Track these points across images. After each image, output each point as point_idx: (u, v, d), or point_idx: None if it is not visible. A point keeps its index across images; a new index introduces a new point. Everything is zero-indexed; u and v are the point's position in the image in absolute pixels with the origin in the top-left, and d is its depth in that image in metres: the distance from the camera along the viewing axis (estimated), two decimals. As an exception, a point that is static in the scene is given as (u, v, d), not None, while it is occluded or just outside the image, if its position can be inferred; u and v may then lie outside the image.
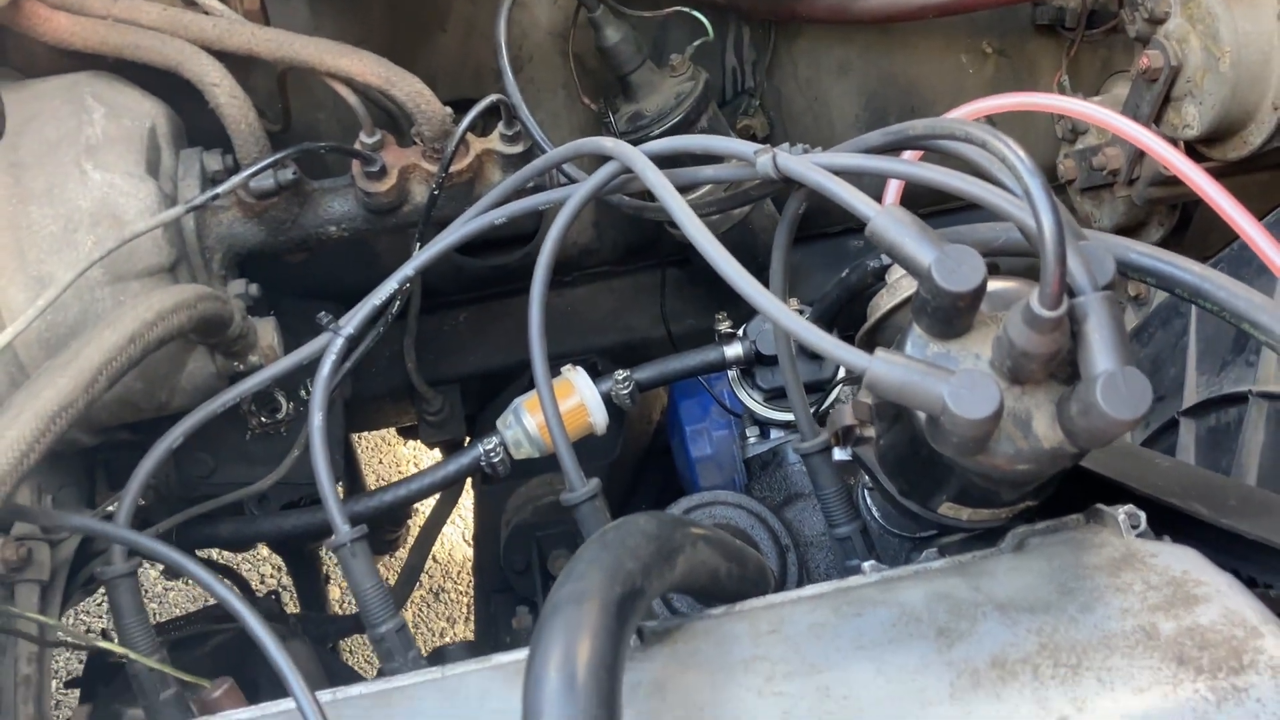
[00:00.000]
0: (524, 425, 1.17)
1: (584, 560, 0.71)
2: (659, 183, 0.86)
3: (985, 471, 0.78)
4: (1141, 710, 0.66)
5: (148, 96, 1.13)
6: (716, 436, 1.50)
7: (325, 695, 0.80)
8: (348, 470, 1.88)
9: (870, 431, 0.89)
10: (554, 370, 1.11)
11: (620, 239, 1.58)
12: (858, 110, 1.49)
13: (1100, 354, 0.71)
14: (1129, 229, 1.42)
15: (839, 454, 0.97)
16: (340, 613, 2.10)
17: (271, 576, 2.23)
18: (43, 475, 1.14)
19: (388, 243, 1.52)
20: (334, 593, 2.07)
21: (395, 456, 2.62)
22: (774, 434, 1.33)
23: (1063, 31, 1.47)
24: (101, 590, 1.12)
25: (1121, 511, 0.82)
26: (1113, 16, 1.40)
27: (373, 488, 1.82)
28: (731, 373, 1.28)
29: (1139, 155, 1.28)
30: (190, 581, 1.39)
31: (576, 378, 1.19)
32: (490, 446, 1.16)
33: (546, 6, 1.35)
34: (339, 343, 1.04)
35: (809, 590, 0.84)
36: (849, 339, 1.24)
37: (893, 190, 0.92)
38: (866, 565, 0.94)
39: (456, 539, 2.51)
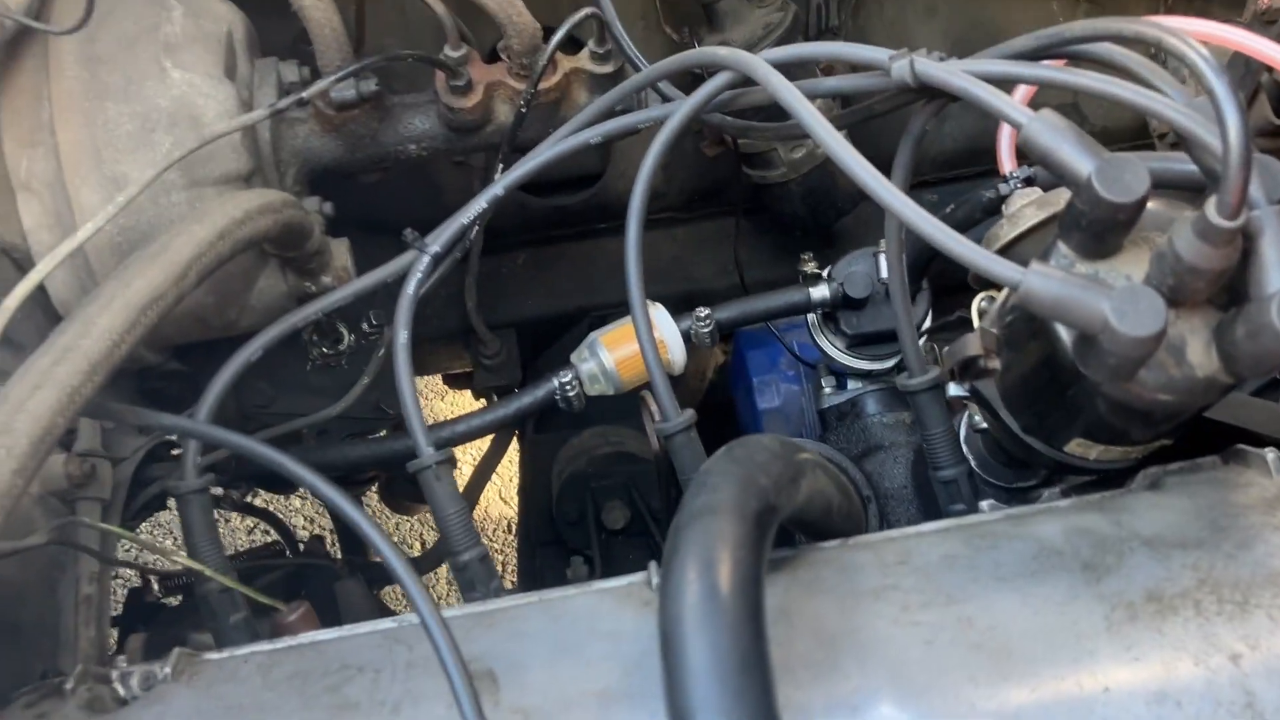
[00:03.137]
0: (601, 359, 1.13)
1: (715, 473, 0.66)
2: (785, 88, 0.81)
3: (1130, 401, 0.73)
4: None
5: (224, 1, 1.08)
6: (785, 389, 1.45)
7: (412, 618, 0.75)
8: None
9: (995, 363, 0.84)
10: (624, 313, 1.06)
11: (689, 183, 1.53)
12: (943, 55, 1.43)
13: (1276, 271, 0.66)
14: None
15: (954, 390, 0.92)
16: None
17: (303, 528, 2.19)
18: (100, 398, 1.10)
19: (450, 178, 1.48)
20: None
21: (432, 410, 2.58)
22: (851, 384, 1.28)
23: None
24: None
25: (1270, 452, 0.77)
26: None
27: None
28: (812, 318, 1.23)
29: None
30: (232, 521, 1.33)
31: (656, 313, 1.14)
32: (566, 379, 1.11)
33: (631, -68, 1.30)
34: (425, 260, 0.99)
35: (931, 525, 0.79)
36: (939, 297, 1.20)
37: (1021, 93, 0.86)
38: (985, 505, 0.90)
39: (493, 497, 2.47)
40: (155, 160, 0.95)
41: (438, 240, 0.99)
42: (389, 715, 0.65)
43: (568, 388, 1.11)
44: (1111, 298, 0.66)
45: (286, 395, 1.27)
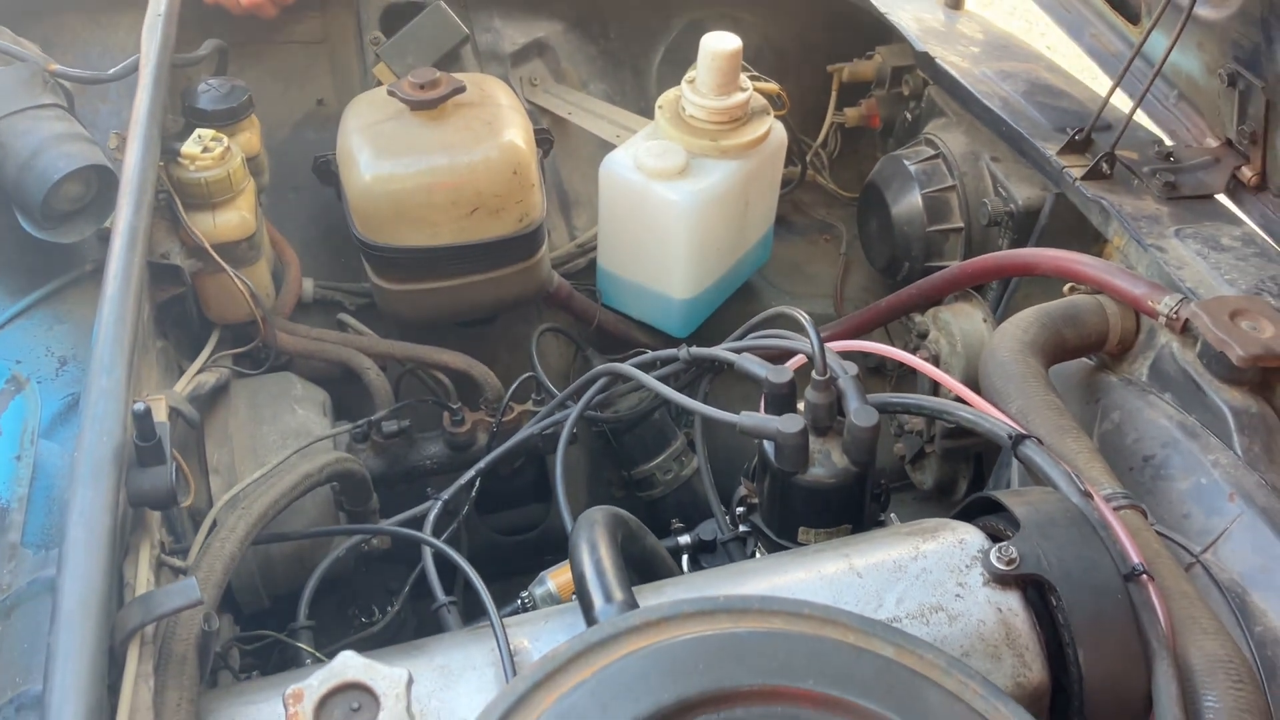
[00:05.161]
0: (547, 586, 1.78)
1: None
2: (641, 374, 1.60)
3: (812, 486, 1.44)
4: (884, 552, 1.28)
5: (318, 388, 1.87)
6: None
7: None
8: None
9: (755, 499, 1.55)
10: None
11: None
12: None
13: (851, 401, 1.42)
14: (945, 483, 2.13)
15: (743, 527, 1.61)
16: None
17: None
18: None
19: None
20: None
21: None
22: (717, 614, 1.92)
23: (886, 371, 2.29)
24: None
25: (892, 515, 1.47)
26: (914, 349, 2.21)
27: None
28: (685, 564, 1.91)
29: (933, 419, 2.03)
30: None
31: (581, 555, 1.82)
32: (525, 595, 1.76)
33: (555, 354, 2.16)
34: (438, 504, 1.70)
35: (727, 572, 1.45)
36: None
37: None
38: (761, 576, 1.55)
39: None
40: (284, 453, 1.68)
41: (447, 491, 1.70)
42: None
43: (526, 601, 1.76)
44: (778, 420, 1.40)
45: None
